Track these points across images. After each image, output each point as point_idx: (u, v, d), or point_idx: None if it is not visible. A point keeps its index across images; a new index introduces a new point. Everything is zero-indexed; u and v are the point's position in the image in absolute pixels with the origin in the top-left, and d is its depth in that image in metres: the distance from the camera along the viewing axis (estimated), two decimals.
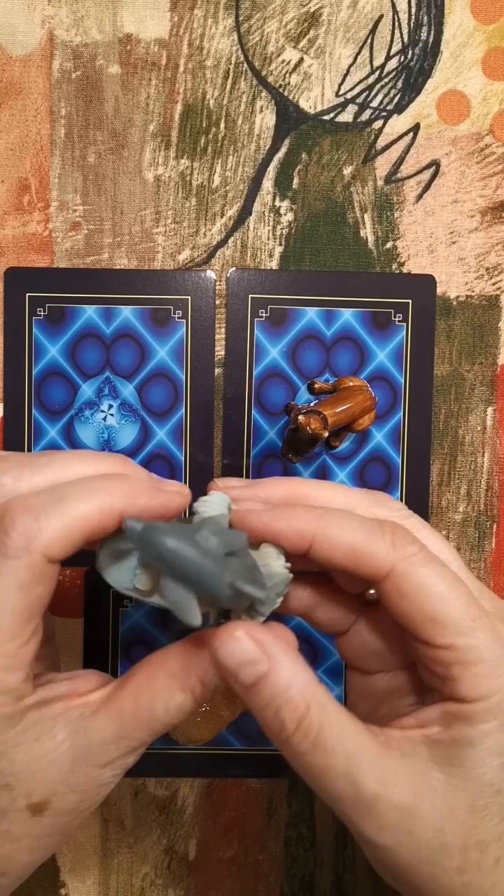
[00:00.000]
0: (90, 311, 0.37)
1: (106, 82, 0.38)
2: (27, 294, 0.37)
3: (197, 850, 0.39)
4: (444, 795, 0.21)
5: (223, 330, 0.38)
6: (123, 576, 0.23)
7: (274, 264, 0.38)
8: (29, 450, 0.38)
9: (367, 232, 0.38)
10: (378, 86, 0.38)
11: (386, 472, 0.38)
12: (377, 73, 0.38)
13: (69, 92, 0.38)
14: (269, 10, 0.38)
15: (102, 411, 0.38)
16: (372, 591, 0.25)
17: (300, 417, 0.34)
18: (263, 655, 0.20)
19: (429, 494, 0.39)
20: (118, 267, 0.38)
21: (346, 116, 0.38)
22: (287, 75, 0.38)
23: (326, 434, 0.34)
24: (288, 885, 0.39)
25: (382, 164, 0.38)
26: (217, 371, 0.38)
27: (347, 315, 0.38)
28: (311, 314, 0.38)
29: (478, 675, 0.21)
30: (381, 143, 0.38)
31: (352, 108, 0.38)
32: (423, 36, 0.38)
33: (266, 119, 0.38)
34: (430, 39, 0.38)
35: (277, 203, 0.38)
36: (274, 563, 0.23)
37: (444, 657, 0.21)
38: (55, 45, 0.37)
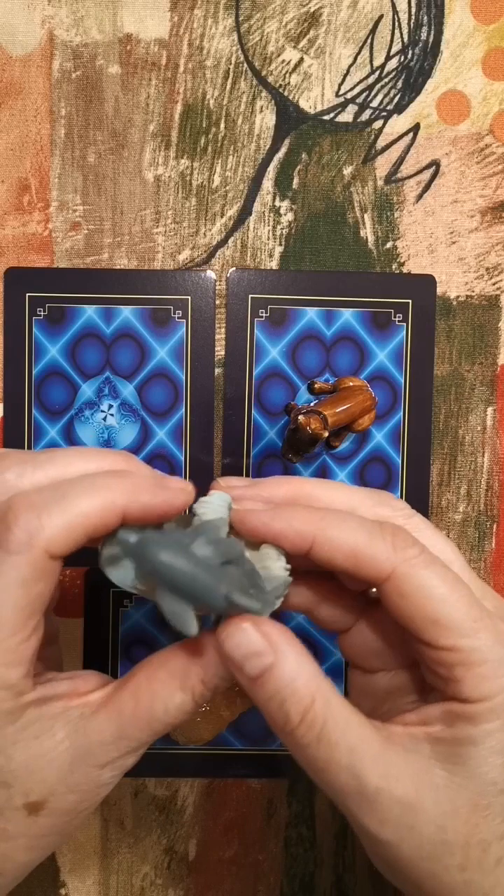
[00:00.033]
0: (90, 311, 0.37)
1: (106, 82, 0.38)
2: (27, 294, 0.37)
3: (197, 850, 0.39)
4: (447, 793, 0.21)
5: (223, 330, 0.38)
6: (127, 573, 0.23)
7: (274, 264, 0.38)
8: (29, 450, 0.38)
9: (367, 232, 0.38)
10: (378, 86, 0.38)
11: (386, 472, 0.38)
12: (377, 73, 0.38)
13: (69, 92, 0.38)
14: (269, 10, 0.38)
15: (102, 411, 0.38)
16: (374, 589, 0.25)
17: (300, 417, 0.34)
18: (269, 648, 0.21)
19: (429, 494, 0.39)
20: (118, 267, 0.38)
21: (346, 116, 0.38)
22: (287, 75, 0.38)
23: (326, 434, 0.34)
24: (288, 885, 0.39)
25: (382, 164, 0.38)
26: (217, 371, 0.38)
27: (347, 315, 0.38)
28: (311, 314, 0.38)
29: (481, 675, 0.21)
30: (381, 143, 0.38)
31: (352, 108, 0.38)
32: (423, 36, 0.38)
33: (266, 119, 0.38)
34: (430, 39, 0.38)
35: (277, 203, 0.38)
36: (274, 566, 0.23)
37: (446, 658, 0.21)
38: (55, 45, 0.37)
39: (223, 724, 0.36)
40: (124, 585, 0.23)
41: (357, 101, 0.38)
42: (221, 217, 0.38)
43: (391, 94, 0.38)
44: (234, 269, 0.38)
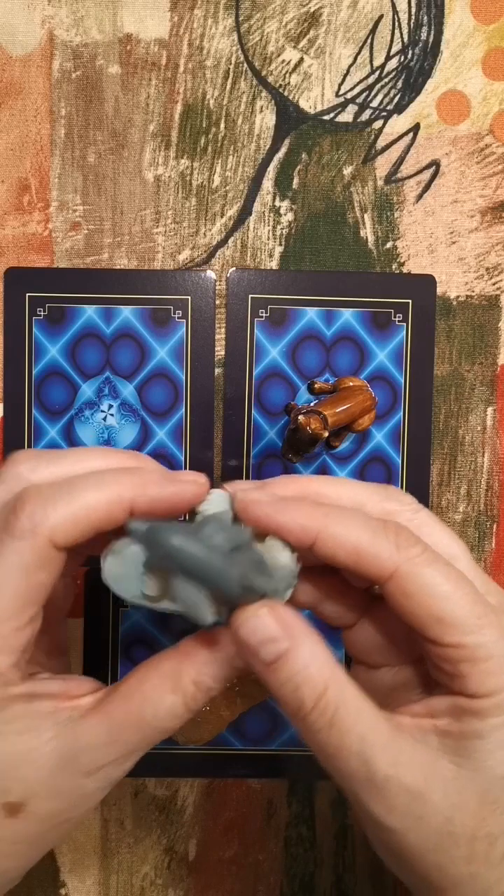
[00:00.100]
0: (90, 311, 0.37)
1: (106, 82, 0.38)
2: (27, 294, 0.37)
3: (197, 850, 0.39)
4: (455, 785, 0.21)
5: (223, 330, 0.38)
6: (131, 585, 0.23)
7: (274, 264, 0.38)
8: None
9: (367, 232, 0.38)
10: (378, 86, 0.38)
11: (386, 472, 0.38)
12: (377, 73, 0.38)
13: (69, 92, 0.38)
14: (269, 10, 0.38)
15: (102, 411, 0.38)
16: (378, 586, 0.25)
17: (300, 417, 0.34)
18: (285, 634, 0.21)
19: (429, 494, 0.39)
20: (118, 267, 0.38)
21: (346, 116, 0.38)
22: (287, 75, 0.38)
23: (326, 434, 0.34)
24: (288, 885, 0.39)
25: (382, 164, 0.38)
26: (217, 371, 0.38)
27: (347, 315, 0.38)
28: (311, 314, 0.38)
29: (486, 671, 0.21)
30: (381, 143, 0.38)
31: (352, 108, 0.38)
32: (423, 36, 0.38)
33: (266, 119, 0.38)
34: (430, 39, 0.38)
35: (277, 203, 0.38)
36: (280, 556, 0.23)
37: (451, 655, 0.21)
38: (55, 45, 0.37)
39: (223, 724, 0.36)
40: (130, 598, 0.23)
41: (357, 101, 0.38)
42: (221, 217, 0.38)
43: (391, 94, 0.38)
44: (234, 269, 0.38)
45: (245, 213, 0.38)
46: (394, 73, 0.38)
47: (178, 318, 0.38)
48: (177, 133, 0.38)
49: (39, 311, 0.37)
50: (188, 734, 0.36)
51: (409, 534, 0.22)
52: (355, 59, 0.38)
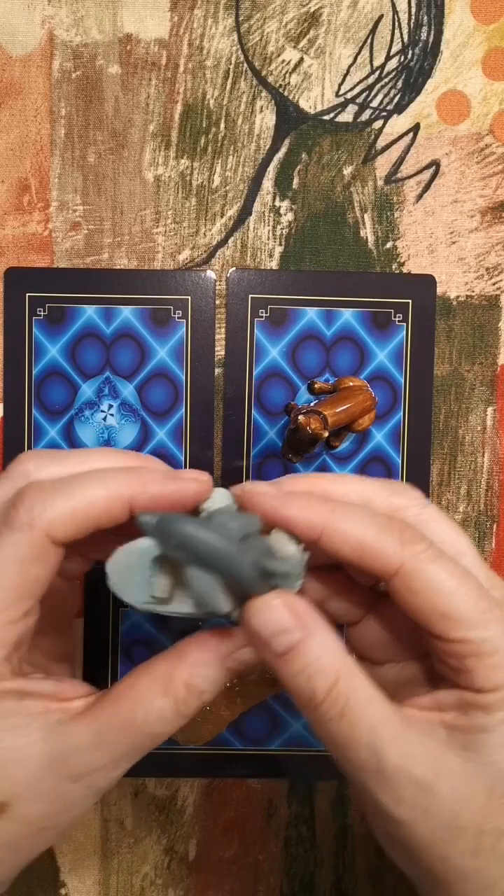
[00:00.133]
0: (90, 311, 0.37)
1: (106, 82, 0.38)
2: (27, 294, 0.37)
3: (197, 850, 0.39)
4: (462, 778, 0.21)
5: (223, 330, 0.38)
6: (138, 591, 0.23)
7: (274, 264, 0.38)
8: (29, 450, 0.38)
9: (367, 232, 0.38)
10: (378, 86, 0.38)
11: (386, 472, 0.38)
12: (377, 73, 0.38)
13: (69, 92, 0.38)
14: (269, 10, 0.38)
15: (102, 411, 0.38)
16: (383, 583, 0.25)
17: (300, 417, 0.34)
18: (298, 624, 0.21)
19: (429, 494, 0.39)
20: (118, 267, 0.38)
21: (346, 116, 0.38)
22: (287, 75, 0.38)
23: (326, 434, 0.34)
24: (288, 885, 0.39)
25: (382, 164, 0.38)
26: (217, 371, 0.38)
27: (347, 315, 0.38)
28: (311, 314, 0.38)
29: (492, 665, 0.21)
30: (381, 143, 0.38)
31: (352, 108, 0.38)
32: (423, 36, 0.38)
33: (266, 119, 0.38)
34: (430, 39, 0.38)
35: (277, 203, 0.38)
36: (287, 547, 0.23)
37: (457, 650, 0.21)
38: (55, 45, 0.37)
39: (223, 724, 0.36)
40: (138, 604, 0.23)
41: (357, 101, 0.38)
42: (221, 217, 0.38)
43: (391, 94, 0.38)
44: (234, 269, 0.38)
45: (245, 213, 0.38)
46: (394, 73, 0.38)
47: (178, 318, 0.38)
48: (177, 133, 0.38)
49: (39, 311, 0.37)
50: (188, 734, 0.36)
51: (413, 530, 0.22)
52: (355, 59, 0.38)
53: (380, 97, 0.38)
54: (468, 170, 0.38)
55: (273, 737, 0.38)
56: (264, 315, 0.38)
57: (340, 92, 0.38)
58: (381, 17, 0.38)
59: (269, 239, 0.38)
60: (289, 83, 0.38)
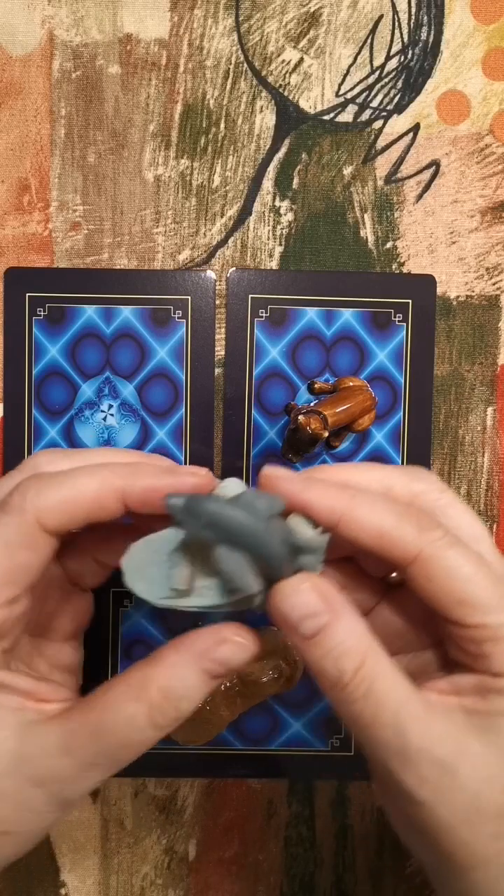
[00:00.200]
0: (90, 311, 0.37)
1: (106, 82, 0.38)
2: (27, 294, 0.37)
3: (197, 850, 0.39)
4: (483, 760, 0.21)
5: (223, 330, 0.38)
6: (156, 586, 0.22)
7: (274, 264, 0.38)
8: (29, 451, 0.38)
9: (367, 232, 0.38)
10: (378, 86, 0.38)
11: None
12: (377, 73, 0.38)
13: (69, 92, 0.38)
14: (269, 10, 0.38)
15: (102, 411, 0.38)
16: (394, 574, 0.25)
17: (300, 417, 0.34)
18: (326, 607, 0.21)
19: None
20: (118, 267, 0.38)
21: (346, 116, 0.38)
22: (287, 75, 0.38)
23: (326, 434, 0.34)
24: (288, 885, 0.39)
25: (382, 164, 0.38)
26: (217, 371, 0.38)
27: (347, 315, 0.38)
28: (311, 314, 0.38)
29: None
30: (381, 143, 0.38)
31: (352, 108, 0.38)
32: (423, 36, 0.38)
33: (266, 119, 0.38)
34: (430, 39, 0.38)
35: (277, 203, 0.38)
36: (306, 530, 0.23)
37: (475, 636, 0.21)
38: (55, 45, 0.37)
39: (223, 724, 0.36)
40: (156, 600, 0.22)
41: (357, 101, 0.38)
42: (221, 217, 0.38)
43: (391, 94, 0.38)
44: (234, 269, 0.38)
45: (245, 213, 0.38)
46: (394, 73, 0.38)
47: (178, 318, 0.38)
48: (177, 133, 0.38)
49: (39, 311, 0.37)
50: (188, 734, 0.36)
51: (430, 517, 0.22)
52: (355, 59, 0.38)
53: (380, 97, 0.38)
54: (468, 170, 0.38)
55: (273, 737, 0.38)
56: (264, 315, 0.38)
57: (340, 92, 0.38)
58: (381, 17, 0.38)
59: (269, 239, 0.38)
60: (289, 83, 0.38)
